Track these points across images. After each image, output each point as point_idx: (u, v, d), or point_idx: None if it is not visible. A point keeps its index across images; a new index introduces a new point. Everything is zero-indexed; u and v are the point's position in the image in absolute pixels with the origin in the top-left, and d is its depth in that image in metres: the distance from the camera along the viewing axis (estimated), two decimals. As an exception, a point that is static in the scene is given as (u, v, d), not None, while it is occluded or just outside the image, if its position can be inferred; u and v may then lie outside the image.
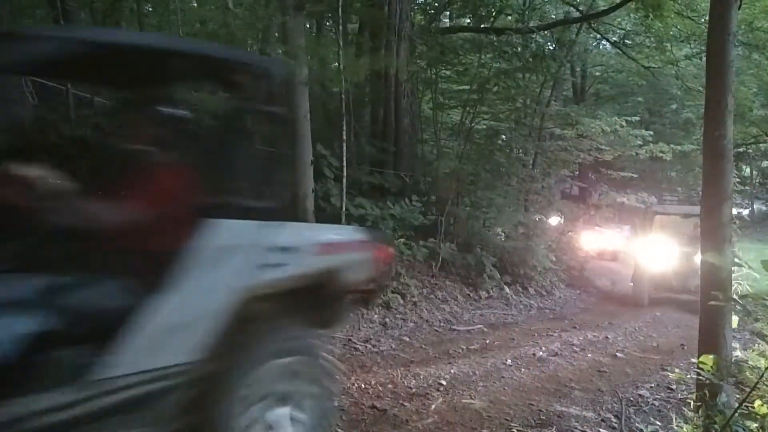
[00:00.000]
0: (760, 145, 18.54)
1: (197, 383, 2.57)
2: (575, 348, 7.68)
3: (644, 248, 12.31)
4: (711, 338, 4.27)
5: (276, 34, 11.03)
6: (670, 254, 11.85)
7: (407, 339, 7.45)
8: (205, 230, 2.57)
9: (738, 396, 4.06)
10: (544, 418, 4.93)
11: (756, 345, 6.69)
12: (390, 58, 11.09)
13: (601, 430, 4.82)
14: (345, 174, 8.73)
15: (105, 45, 2.51)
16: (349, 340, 6.91)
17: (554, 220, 15.38)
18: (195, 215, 2.57)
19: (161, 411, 2.50)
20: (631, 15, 13.82)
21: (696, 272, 10.15)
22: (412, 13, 12.87)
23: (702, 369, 3.43)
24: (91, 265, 2.48)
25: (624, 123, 13.53)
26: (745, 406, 3.26)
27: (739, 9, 4.50)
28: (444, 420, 4.66)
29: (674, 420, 4.60)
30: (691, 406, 4.16)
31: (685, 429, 3.84)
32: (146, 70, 2.98)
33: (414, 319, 8.29)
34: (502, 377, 6.03)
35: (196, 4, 14.44)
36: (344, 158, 8.68)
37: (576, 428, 4.78)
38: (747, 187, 25.06)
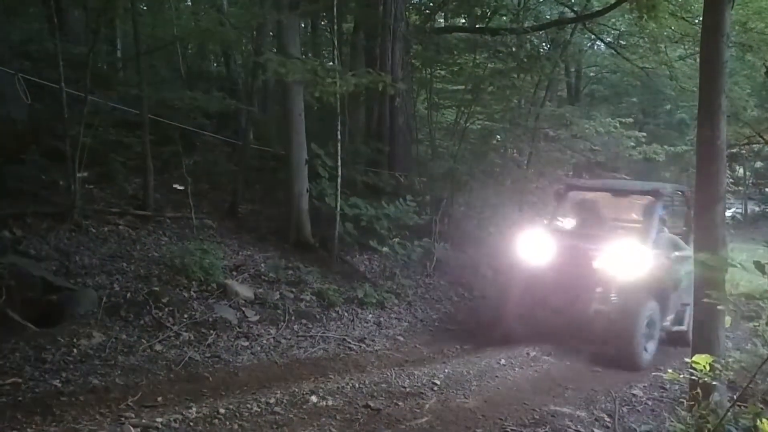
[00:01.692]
0: (754, 145, 18.59)
1: None
2: (569, 347, 7.68)
3: (527, 246, 7.84)
4: (704, 338, 4.29)
5: (270, 33, 11.02)
6: (557, 252, 7.46)
7: (402, 338, 7.45)
8: None
9: (731, 395, 4.09)
10: (537, 417, 4.94)
11: (749, 345, 6.72)
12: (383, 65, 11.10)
13: (594, 429, 4.84)
14: (340, 173, 8.75)
15: None
16: (344, 339, 6.90)
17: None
18: None
19: None
20: (626, 16, 13.81)
21: (594, 286, 7.13)
22: (407, 13, 12.85)
23: (695, 368, 3.44)
24: None
25: (618, 124, 13.55)
26: (738, 405, 3.27)
27: (731, 9, 4.52)
28: (438, 419, 4.67)
29: (667, 419, 4.61)
30: (685, 406, 4.17)
31: (678, 428, 3.84)
32: None
33: (408, 319, 8.29)
34: (496, 377, 6.04)
35: (190, 3, 14.44)
36: (339, 158, 8.69)
37: (569, 427, 4.79)
38: (740, 188, 25.12)
